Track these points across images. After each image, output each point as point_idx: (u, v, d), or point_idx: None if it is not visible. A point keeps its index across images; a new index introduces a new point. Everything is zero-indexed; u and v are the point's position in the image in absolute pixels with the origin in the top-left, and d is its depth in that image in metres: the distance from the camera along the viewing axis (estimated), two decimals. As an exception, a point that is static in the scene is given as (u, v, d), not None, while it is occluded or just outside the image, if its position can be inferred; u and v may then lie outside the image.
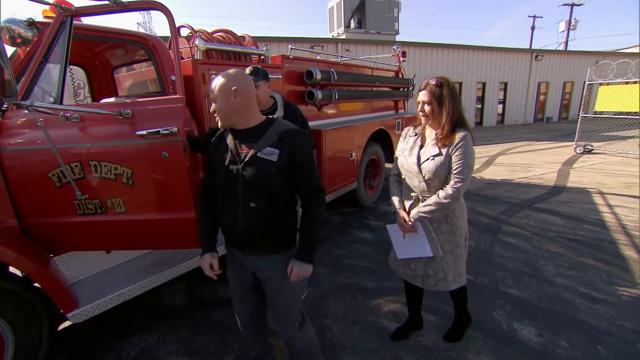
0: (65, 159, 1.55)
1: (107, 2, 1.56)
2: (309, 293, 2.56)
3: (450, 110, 1.56)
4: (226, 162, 1.28)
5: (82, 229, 1.74)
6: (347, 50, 12.09)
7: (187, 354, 1.98)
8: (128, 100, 1.82)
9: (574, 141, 8.54)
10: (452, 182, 1.57)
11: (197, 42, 2.38)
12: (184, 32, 2.86)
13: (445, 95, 1.56)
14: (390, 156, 4.75)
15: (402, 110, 5.42)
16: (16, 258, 1.45)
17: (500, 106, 16.91)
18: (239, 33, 3.13)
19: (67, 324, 2.29)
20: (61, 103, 1.64)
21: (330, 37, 14.22)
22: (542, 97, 17.88)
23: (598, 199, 4.63)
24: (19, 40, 1.49)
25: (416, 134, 1.73)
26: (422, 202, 1.68)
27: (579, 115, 8.47)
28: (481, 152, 8.73)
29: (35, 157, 1.57)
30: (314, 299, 2.48)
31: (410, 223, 1.70)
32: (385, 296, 2.49)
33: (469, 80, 15.35)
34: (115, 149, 1.66)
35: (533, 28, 23.39)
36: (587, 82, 8.39)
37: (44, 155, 1.54)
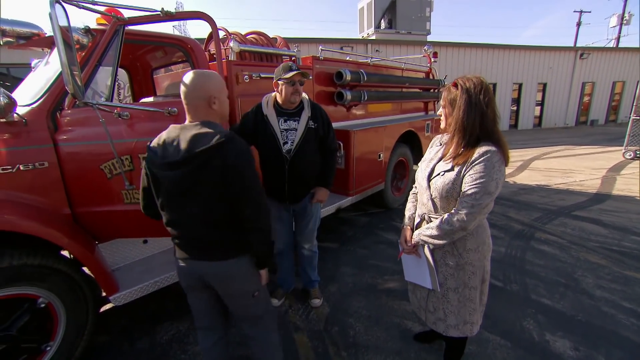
0: (117, 152, 1.70)
1: (157, 12, 1.68)
2: (334, 290, 2.59)
3: (461, 119, 1.29)
4: None
5: (127, 217, 1.89)
6: (377, 50, 12.00)
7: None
8: (172, 100, 1.96)
9: (622, 146, 7.92)
10: (458, 207, 1.30)
11: (231, 44, 2.49)
12: (220, 34, 2.99)
13: (458, 99, 1.30)
14: (419, 158, 4.66)
15: (432, 112, 5.31)
16: (69, 243, 1.60)
17: (538, 108, 16.05)
18: (271, 35, 3.22)
19: (106, 307, 2.47)
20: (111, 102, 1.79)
21: (360, 37, 14.18)
22: (586, 99, 16.77)
23: (648, 209, 4.28)
24: (77, 46, 1.64)
25: (441, 144, 1.49)
26: (428, 223, 1.46)
27: (629, 117, 7.84)
28: (515, 157, 8.33)
29: (89, 151, 1.73)
30: (337, 298, 2.51)
31: (409, 244, 1.53)
32: (410, 299, 2.47)
33: (504, 81, 14.71)
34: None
35: (579, 24, 21.92)
36: None
37: (97, 149, 1.70)
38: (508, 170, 6.75)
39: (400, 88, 4.40)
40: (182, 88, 1.23)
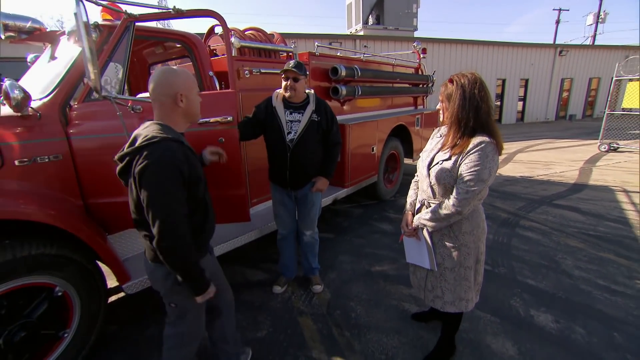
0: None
1: (168, 10, 1.74)
2: (333, 277, 2.72)
3: (455, 112, 1.41)
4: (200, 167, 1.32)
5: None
6: (365, 46, 12.11)
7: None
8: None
9: (598, 139, 8.34)
10: (454, 193, 1.42)
11: (232, 39, 2.55)
12: (218, 30, 3.04)
13: (453, 94, 1.42)
14: (409, 151, 4.83)
15: (421, 107, 5.48)
16: (84, 233, 1.65)
17: (521, 103, 16.56)
18: (268, 31, 3.29)
19: (113, 298, 2.52)
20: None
21: (349, 33, 14.25)
22: (565, 94, 17.40)
23: (622, 197, 4.59)
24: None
25: (441, 136, 1.60)
26: (427, 208, 1.58)
27: (604, 112, 8.26)
28: (500, 149, 8.65)
29: (100, 143, 1.77)
30: (338, 284, 2.63)
31: (410, 228, 1.65)
32: (407, 282, 2.60)
33: (488, 76, 15.10)
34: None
35: (558, 22, 22.64)
36: (614, 78, 8.16)
37: (108, 141, 1.75)
38: (493, 163, 7.03)
39: (391, 83, 4.53)
40: (150, 84, 1.22)
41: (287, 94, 2.12)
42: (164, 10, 1.81)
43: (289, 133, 2.14)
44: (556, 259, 2.92)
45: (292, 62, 2.07)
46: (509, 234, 3.46)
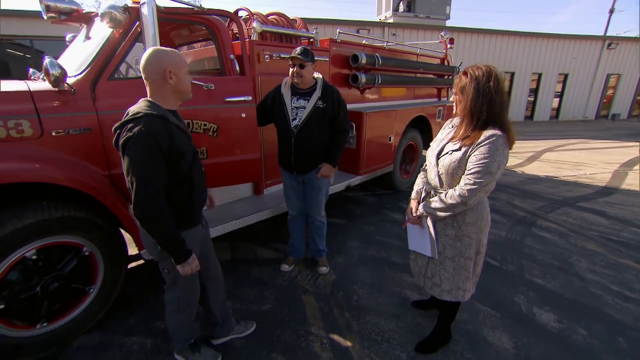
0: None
1: (192, 7, 1.91)
2: (340, 261, 2.80)
3: (469, 104, 1.41)
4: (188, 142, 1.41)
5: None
6: (393, 34, 11.81)
7: (230, 300, 2.30)
8: (209, 77, 2.30)
9: None
10: (461, 183, 1.43)
11: (254, 24, 2.61)
12: (242, 14, 3.10)
13: (467, 86, 1.42)
14: (429, 143, 4.75)
15: (445, 99, 5.35)
16: (109, 200, 1.82)
17: (556, 100, 15.62)
18: (290, 15, 3.32)
19: (134, 264, 2.74)
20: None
21: (378, 20, 13.90)
22: (610, 91, 16.19)
23: (654, 204, 4.33)
24: (118, 23, 1.81)
25: (453, 127, 1.60)
26: (433, 197, 1.59)
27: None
28: (526, 147, 8.31)
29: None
30: (343, 267, 2.72)
31: (415, 215, 1.69)
32: (411, 271, 2.65)
33: (523, 70, 14.33)
34: (204, 111, 2.22)
35: (611, 11, 20.63)
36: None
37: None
38: (517, 161, 6.78)
39: (414, 73, 4.46)
40: (141, 63, 1.29)
41: (294, 80, 2.18)
42: (188, 6, 2.03)
43: (294, 119, 2.21)
44: (569, 261, 2.85)
45: (298, 49, 2.12)
46: (523, 232, 3.39)
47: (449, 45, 5.02)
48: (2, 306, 1.61)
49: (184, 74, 1.35)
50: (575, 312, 2.19)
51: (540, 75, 14.80)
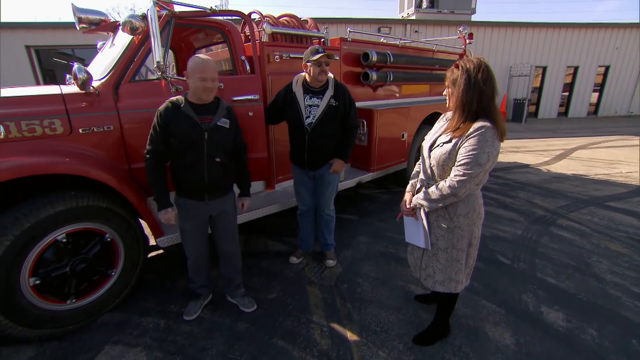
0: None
1: (205, 9, 2.14)
2: (347, 255, 2.86)
3: (460, 96, 1.45)
4: (190, 129, 1.75)
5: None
6: (416, 31, 11.61)
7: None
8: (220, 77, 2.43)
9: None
10: (451, 175, 1.46)
11: (264, 26, 2.73)
12: (254, 17, 3.24)
13: (458, 79, 1.46)
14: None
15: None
16: (129, 192, 2.00)
17: (595, 95, 14.59)
18: (306, 15, 3.43)
19: (154, 253, 2.94)
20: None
21: (400, 17, 13.72)
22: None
23: (694, 204, 4.01)
24: (136, 31, 1.99)
25: (446, 120, 1.63)
26: (426, 189, 1.62)
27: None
28: (556, 145, 7.90)
29: (143, 117, 2.09)
30: (350, 261, 2.77)
31: (409, 207, 1.72)
32: (417, 267, 2.67)
33: (556, 64, 13.51)
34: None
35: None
36: None
37: (150, 115, 2.05)
38: (543, 159, 6.49)
39: (429, 70, 4.41)
40: None
41: (319, 79, 2.22)
42: (200, 10, 2.21)
43: (307, 117, 2.28)
44: (588, 261, 2.73)
45: (320, 48, 2.17)
46: (540, 231, 3.27)
47: (467, 41, 4.90)
48: (38, 282, 1.83)
49: (194, 79, 1.73)
50: (587, 313, 2.12)
51: (576, 68, 13.91)
